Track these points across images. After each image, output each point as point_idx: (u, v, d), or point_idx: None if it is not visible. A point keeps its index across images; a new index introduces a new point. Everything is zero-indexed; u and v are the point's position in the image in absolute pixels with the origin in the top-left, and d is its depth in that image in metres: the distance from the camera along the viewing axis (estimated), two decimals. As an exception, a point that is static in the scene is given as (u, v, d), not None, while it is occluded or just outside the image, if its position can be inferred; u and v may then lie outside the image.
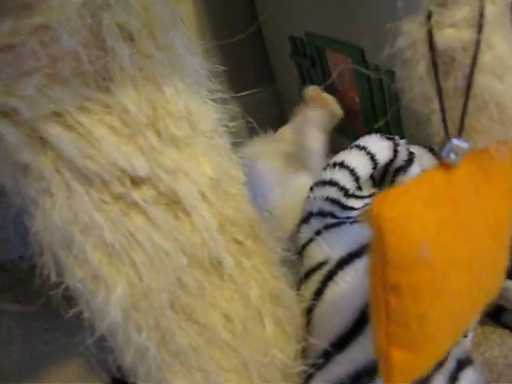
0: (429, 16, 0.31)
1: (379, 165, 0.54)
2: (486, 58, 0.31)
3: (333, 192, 0.51)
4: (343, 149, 0.59)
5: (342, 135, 0.80)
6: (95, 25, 0.37)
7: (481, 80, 0.31)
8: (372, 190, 0.57)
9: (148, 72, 0.38)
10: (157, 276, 0.38)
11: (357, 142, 0.55)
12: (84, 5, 0.37)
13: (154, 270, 0.38)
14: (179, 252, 0.39)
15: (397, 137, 0.56)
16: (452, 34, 0.30)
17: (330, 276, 0.45)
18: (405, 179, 0.54)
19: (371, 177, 0.57)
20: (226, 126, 0.45)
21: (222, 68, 0.50)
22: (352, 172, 0.52)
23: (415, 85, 0.33)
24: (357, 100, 0.73)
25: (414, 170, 0.54)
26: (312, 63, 0.80)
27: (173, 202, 0.39)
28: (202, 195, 0.39)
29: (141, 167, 0.37)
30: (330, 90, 0.79)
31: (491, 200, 0.36)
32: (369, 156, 0.53)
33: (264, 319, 0.41)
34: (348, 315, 0.42)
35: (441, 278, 0.32)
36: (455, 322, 0.36)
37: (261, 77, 0.94)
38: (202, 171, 0.40)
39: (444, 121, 0.32)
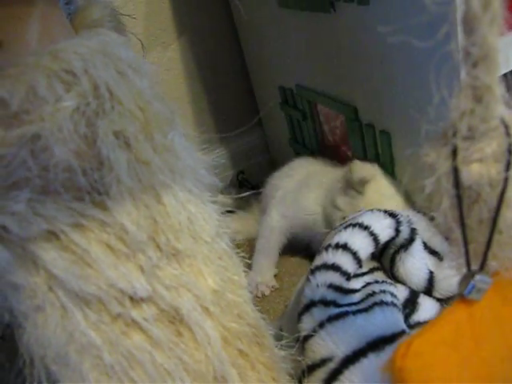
0: (455, 151, 0.28)
1: (380, 243, 0.52)
2: (512, 193, 0.28)
3: (335, 278, 0.49)
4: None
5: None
6: (90, 133, 0.34)
7: (507, 215, 0.29)
8: (371, 265, 0.55)
9: (147, 182, 0.35)
10: (158, 396, 0.35)
11: (360, 220, 0.52)
12: (77, 110, 0.33)
13: (154, 390, 0.35)
14: (182, 370, 0.35)
15: (399, 214, 0.53)
16: (479, 170, 0.28)
17: (334, 375, 0.42)
18: (406, 257, 0.52)
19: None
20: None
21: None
22: (355, 255, 0.50)
23: (437, 215, 0.30)
24: (348, 153, 0.70)
25: (416, 247, 0.52)
26: (303, 116, 0.77)
27: (175, 319, 0.35)
28: (205, 310, 0.36)
29: (142, 288, 0.34)
30: (322, 142, 0.76)
31: (511, 321, 0.33)
32: (372, 237, 0.51)
33: (270, 430, 0.38)
34: None
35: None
36: None
37: (249, 124, 0.91)
38: (204, 283, 0.36)
39: (467, 257, 0.29)
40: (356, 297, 0.49)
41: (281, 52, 0.77)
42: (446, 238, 0.32)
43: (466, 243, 0.30)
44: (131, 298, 0.35)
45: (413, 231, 0.52)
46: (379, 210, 0.53)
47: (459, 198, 0.29)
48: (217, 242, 0.39)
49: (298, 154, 0.82)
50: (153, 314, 0.35)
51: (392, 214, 0.53)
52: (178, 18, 0.81)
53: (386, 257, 0.55)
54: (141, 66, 0.38)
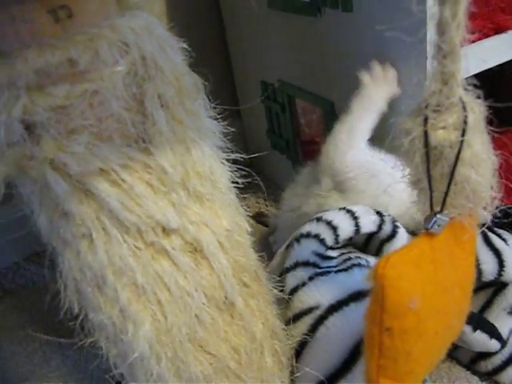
0: (426, 119, 0.41)
1: (360, 233, 0.65)
2: (466, 154, 0.42)
3: (317, 246, 0.61)
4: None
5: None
6: (138, 94, 0.45)
7: (461, 170, 0.42)
8: (349, 248, 0.68)
9: (180, 136, 0.46)
10: (179, 313, 0.46)
11: (353, 208, 0.66)
12: (128, 74, 0.44)
13: (177, 308, 0.46)
14: (200, 293, 0.47)
15: (386, 214, 0.67)
16: (443, 135, 0.41)
17: (320, 320, 0.55)
18: (390, 248, 0.65)
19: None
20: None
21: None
22: (336, 233, 0.63)
23: (410, 170, 0.43)
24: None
25: (399, 240, 0.65)
26: (282, 109, 0.90)
27: (196, 250, 0.47)
28: (220, 244, 0.48)
29: (173, 220, 0.45)
30: (298, 134, 0.89)
31: (461, 259, 0.47)
32: (355, 226, 0.64)
33: (264, 351, 0.50)
34: (337, 356, 0.52)
35: (423, 322, 0.43)
36: (430, 358, 0.47)
37: (228, 116, 1.04)
38: (219, 223, 0.48)
39: (431, 200, 0.43)
40: (334, 262, 0.62)
41: (265, 49, 0.90)
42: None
43: (431, 190, 0.43)
44: (163, 229, 0.46)
45: (395, 228, 0.65)
46: (371, 208, 0.67)
47: (427, 155, 0.42)
48: (228, 194, 0.50)
49: (274, 144, 0.95)
50: (179, 244, 0.46)
51: (379, 213, 0.66)
52: (168, 10, 0.93)
53: (371, 247, 0.68)
54: (175, 45, 0.50)
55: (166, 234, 0.46)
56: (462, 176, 0.42)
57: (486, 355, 0.66)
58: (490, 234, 0.66)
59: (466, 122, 0.41)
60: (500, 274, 0.63)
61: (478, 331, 0.60)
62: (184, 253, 0.47)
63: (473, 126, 0.42)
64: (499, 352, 0.65)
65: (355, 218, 0.65)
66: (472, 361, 0.67)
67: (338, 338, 0.53)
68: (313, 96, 0.81)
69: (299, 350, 0.54)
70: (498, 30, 0.68)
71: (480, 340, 0.60)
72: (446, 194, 0.43)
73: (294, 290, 0.58)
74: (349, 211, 0.66)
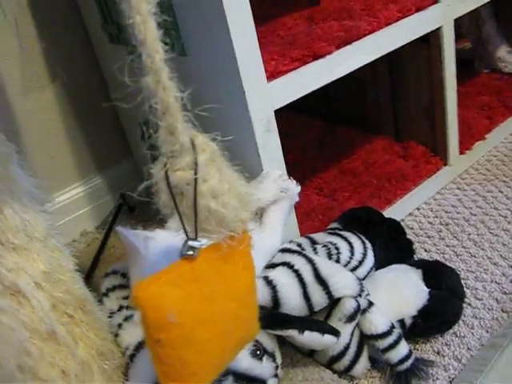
0: (164, 164, 0.53)
1: None
2: (203, 188, 0.53)
3: (121, 293, 0.78)
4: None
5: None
6: None
7: (202, 202, 0.53)
8: None
9: (-9, 200, 0.59)
10: (6, 347, 0.59)
11: None
12: None
13: (3, 343, 0.59)
14: (23, 328, 0.59)
15: None
16: (180, 175, 0.53)
17: (131, 358, 0.68)
18: None
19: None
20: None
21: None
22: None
23: (162, 208, 0.55)
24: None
25: None
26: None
27: (16, 292, 0.59)
28: (38, 285, 0.60)
29: (-11, 270, 0.58)
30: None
31: (233, 274, 0.58)
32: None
33: (93, 369, 0.62)
34: None
35: (190, 332, 0.54)
36: (213, 360, 0.58)
37: (121, 154, 1.18)
38: (37, 267, 0.60)
39: (184, 230, 0.54)
40: None
41: (137, 93, 1.03)
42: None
43: (182, 222, 0.54)
44: (-18, 279, 0.58)
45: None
46: None
47: (172, 194, 0.54)
48: (48, 240, 0.63)
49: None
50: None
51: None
52: (49, 64, 1.07)
53: None
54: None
55: (-15, 282, 0.58)
56: (203, 207, 0.54)
57: (336, 359, 0.78)
58: (320, 265, 0.77)
59: (196, 163, 0.53)
60: (329, 299, 0.75)
61: (307, 332, 0.71)
62: (5, 296, 0.59)
63: (206, 164, 0.53)
64: (346, 354, 0.77)
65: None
66: (327, 364, 0.79)
67: (146, 370, 0.66)
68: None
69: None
70: (316, 56, 0.79)
71: (313, 339, 0.71)
72: (195, 223, 0.54)
73: (116, 335, 0.72)
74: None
